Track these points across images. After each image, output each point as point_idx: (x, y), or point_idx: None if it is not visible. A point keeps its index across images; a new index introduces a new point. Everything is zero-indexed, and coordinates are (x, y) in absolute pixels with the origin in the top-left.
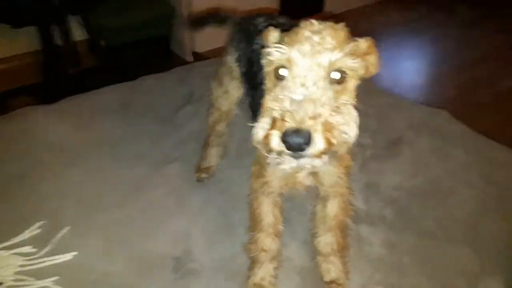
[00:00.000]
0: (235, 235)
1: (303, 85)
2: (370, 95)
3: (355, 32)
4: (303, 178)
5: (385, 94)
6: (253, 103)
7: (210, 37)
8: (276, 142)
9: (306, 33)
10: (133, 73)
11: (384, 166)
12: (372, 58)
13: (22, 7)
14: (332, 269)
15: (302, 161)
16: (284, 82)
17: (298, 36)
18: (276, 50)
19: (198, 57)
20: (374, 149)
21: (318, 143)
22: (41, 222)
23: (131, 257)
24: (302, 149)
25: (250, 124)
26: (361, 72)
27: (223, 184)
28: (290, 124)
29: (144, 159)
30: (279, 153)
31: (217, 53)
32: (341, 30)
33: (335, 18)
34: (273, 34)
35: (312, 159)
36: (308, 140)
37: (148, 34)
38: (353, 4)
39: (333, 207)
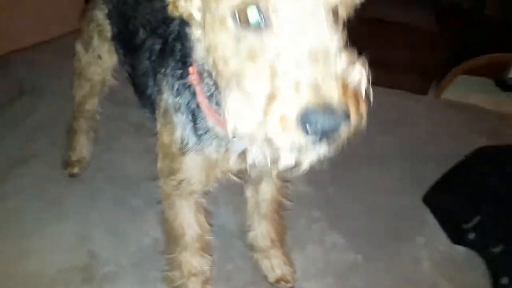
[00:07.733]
0: (143, 221)
1: (303, 31)
2: None
3: None
4: (233, 163)
5: None
6: (135, 74)
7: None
8: (292, 128)
9: None
10: None
11: None
12: None
13: None
14: (275, 264)
15: (322, 149)
16: (262, 31)
17: None
18: None
19: None
20: None
21: (354, 120)
22: None
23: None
24: (335, 132)
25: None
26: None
27: (107, 171)
28: (313, 98)
29: None
30: (294, 145)
31: None
32: None
33: None
34: None
35: (338, 145)
36: (344, 117)
37: None
38: None
39: (268, 189)
